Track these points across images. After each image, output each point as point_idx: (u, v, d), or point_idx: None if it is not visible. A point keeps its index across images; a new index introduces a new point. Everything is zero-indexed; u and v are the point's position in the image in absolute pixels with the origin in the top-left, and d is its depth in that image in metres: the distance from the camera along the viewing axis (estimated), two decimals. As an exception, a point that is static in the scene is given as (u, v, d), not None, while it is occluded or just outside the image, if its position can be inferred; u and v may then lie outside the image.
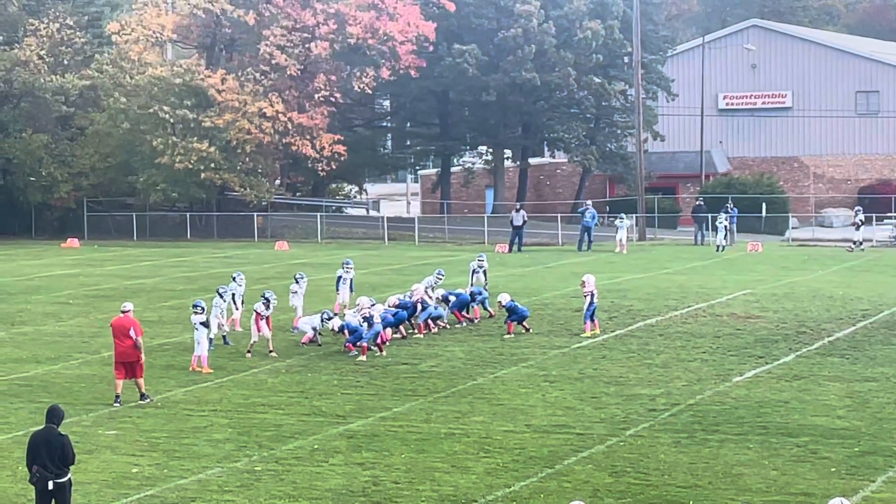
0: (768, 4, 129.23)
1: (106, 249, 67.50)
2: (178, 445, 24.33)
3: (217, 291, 35.46)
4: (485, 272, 42.49)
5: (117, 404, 27.83)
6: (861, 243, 62.63)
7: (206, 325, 31.81)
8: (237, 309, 37.48)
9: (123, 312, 28.43)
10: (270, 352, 33.66)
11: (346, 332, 33.73)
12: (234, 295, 37.14)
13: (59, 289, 48.90)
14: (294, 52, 72.34)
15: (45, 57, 76.74)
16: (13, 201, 77.35)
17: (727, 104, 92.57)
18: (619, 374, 30.43)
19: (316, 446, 24.08)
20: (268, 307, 34.06)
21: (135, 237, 74.93)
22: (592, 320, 36.20)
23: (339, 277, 40.19)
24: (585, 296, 35.97)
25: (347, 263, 40.68)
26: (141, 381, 28.03)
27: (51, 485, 18.29)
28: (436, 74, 78.23)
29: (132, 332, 27.84)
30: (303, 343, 34.91)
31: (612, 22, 79.70)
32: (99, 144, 76.01)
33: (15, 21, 79.81)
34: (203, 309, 31.60)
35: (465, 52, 75.74)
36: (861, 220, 63.57)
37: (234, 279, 37.75)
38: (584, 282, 36.23)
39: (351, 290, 40.16)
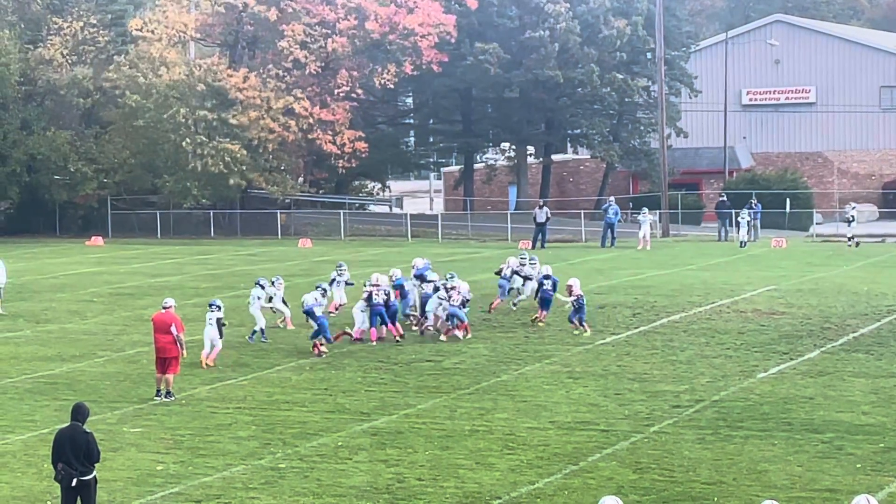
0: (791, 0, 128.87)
1: (130, 247, 67.66)
2: (203, 443, 24.38)
3: (258, 283, 35.90)
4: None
5: (157, 398, 28.05)
6: (852, 238, 62.26)
7: (221, 322, 31.99)
8: (283, 309, 37.54)
9: (165, 308, 28.65)
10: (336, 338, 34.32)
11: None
12: (274, 298, 37.13)
13: (84, 287, 49.02)
14: (314, 47, 72.36)
15: (68, 55, 77.00)
16: (38, 199, 77.54)
17: (750, 100, 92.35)
18: (643, 371, 30.39)
19: (340, 443, 24.10)
20: (324, 296, 34.67)
21: (158, 235, 75.03)
22: (581, 323, 35.83)
23: (333, 280, 40.19)
24: (571, 300, 35.66)
25: (341, 266, 40.98)
26: (171, 377, 28.17)
27: (75, 482, 18.34)
28: (458, 72, 78.16)
29: (173, 329, 28.06)
30: (339, 338, 34.84)
31: (636, 18, 79.58)
32: (126, 140, 76.12)
33: (38, 20, 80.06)
34: (220, 307, 31.80)
35: (488, 51, 75.63)
36: (853, 216, 63.33)
37: (272, 283, 37.48)
38: (570, 286, 35.99)
39: (349, 284, 40.39)
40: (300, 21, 72.61)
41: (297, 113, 71.50)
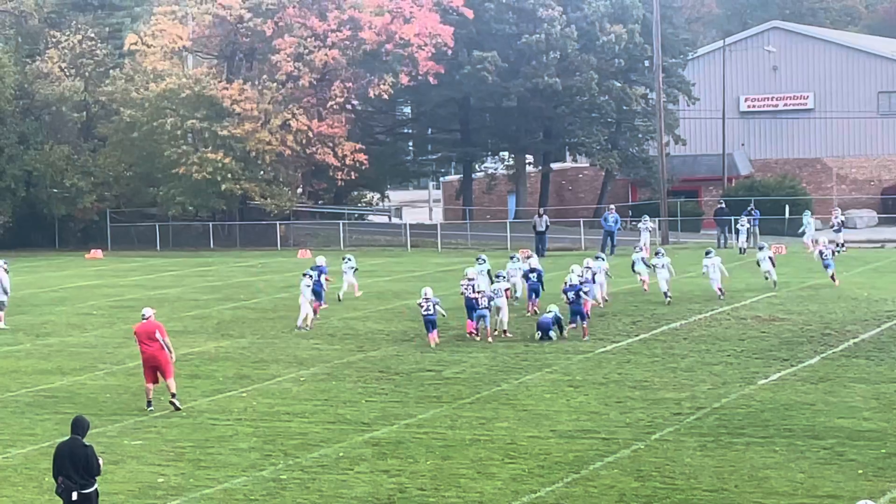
0: (789, 6, 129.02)
1: (129, 260, 67.63)
2: (204, 455, 24.36)
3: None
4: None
5: (150, 408, 28.01)
6: (842, 245, 62.04)
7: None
8: None
9: (145, 318, 28.56)
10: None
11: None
12: None
13: (84, 300, 49.01)
14: (307, 59, 72.32)
15: (66, 69, 77.02)
16: (37, 213, 77.54)
17: (749, 106, 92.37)
18: (644, 379, 30.36)
19: (341, 454, 24.08)
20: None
21: (158, 247, 75.05)
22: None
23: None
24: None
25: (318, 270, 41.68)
26: (171, 381, 28.07)
27: (75, 496, 18.31)
28: (456, 81, 78.14)
29: (158, 335, 28.01)
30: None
31: (633, 26, 79.62)
32: (122, 154, 76.16)
33: (36, 34, 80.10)
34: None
35: (486, 59, 75.61)
36: (841, 221, 63.04)
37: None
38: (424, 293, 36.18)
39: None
40: (293, 33, 72.54)
41: (294, 128, 71.43)
